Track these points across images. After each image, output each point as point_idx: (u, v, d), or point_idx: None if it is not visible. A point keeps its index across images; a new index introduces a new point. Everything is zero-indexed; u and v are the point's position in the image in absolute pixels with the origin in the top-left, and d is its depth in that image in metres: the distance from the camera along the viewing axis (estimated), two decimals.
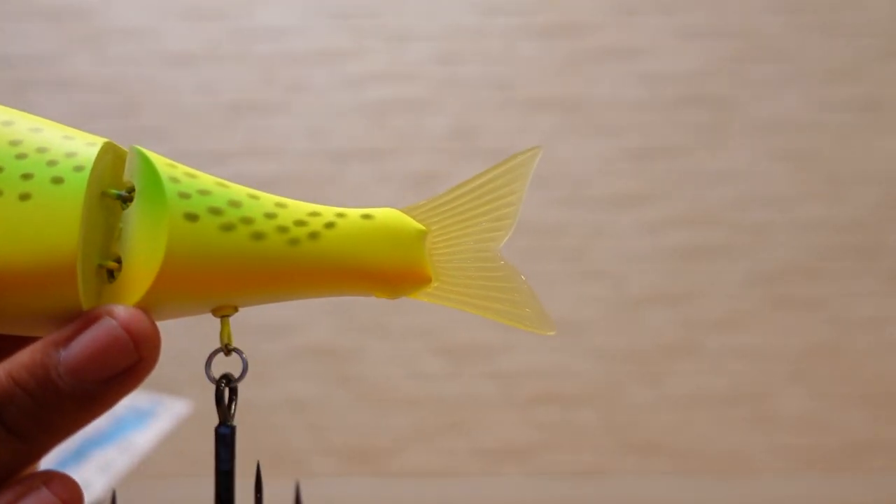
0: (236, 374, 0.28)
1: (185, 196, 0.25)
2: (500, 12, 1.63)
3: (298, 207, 0.27)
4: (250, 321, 1.58)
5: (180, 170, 0.26)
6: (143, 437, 1.02)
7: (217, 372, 0.27)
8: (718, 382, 1.64)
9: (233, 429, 0.27)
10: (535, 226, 1.59)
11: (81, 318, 0.24)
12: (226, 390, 0.27)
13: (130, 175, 0.26)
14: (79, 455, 0.96)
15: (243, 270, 0.25)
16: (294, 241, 0.26)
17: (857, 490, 1.60)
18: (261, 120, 1.64)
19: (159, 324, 0.25)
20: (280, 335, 1.63)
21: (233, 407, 0.27)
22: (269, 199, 0.27)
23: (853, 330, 1.64)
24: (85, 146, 0.25)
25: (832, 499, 1.61)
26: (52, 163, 0.24)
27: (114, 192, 0.25)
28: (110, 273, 0.25)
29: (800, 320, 1.64)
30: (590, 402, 1.65)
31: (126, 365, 0.23)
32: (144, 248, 0.24)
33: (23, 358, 0.23)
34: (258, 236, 0.26)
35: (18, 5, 1.63)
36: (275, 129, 1.65)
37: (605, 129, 1.64)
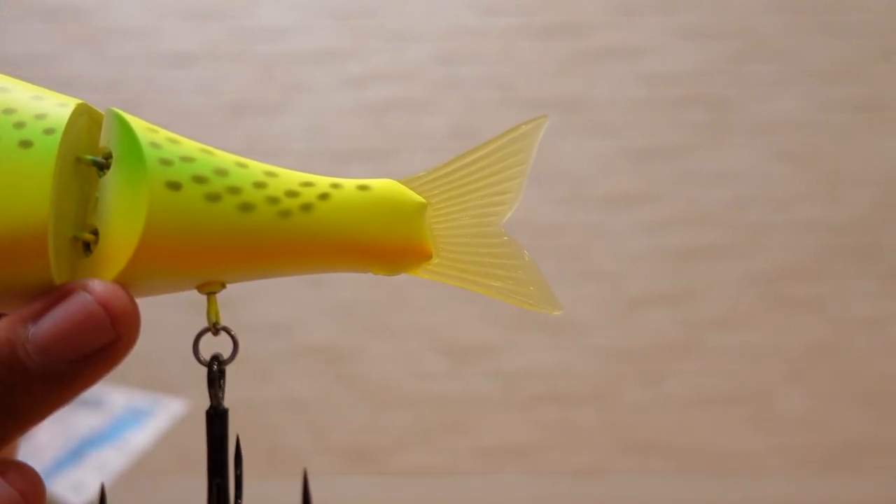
0: (226, 356, 0.26)
1: (166, 163, 0.23)
2: (500, 12, 1.63)
3: (290, 177, 0.25)
4: (249, 320, 1.58)
5: (162, 135, 0.24)
6: (140, 437, 1.01)
7: (206, 354, 0.26)
8: (718, 382, 1.64)
9: (226, 411, 0.26)
10: (534, 225, 1.59)
11: (53, 293, 0.22)
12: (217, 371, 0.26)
13: (107, 140, 0.24)
14: (76, 455, 0.97)
15: (230, 244, 0.24)
16: (285, 213, 0.24)
17: (856, 489, 1.60)
18: (261, 120, 1.64)
19: (140, 301, 0.23)
20: (280, 334, 1.63)
21: (222, 389, 0.26)
22: (258, 168, 0.25)
23: (852, 330, 1.64)
24: (56, 107, 0.23)
25: (831, 498, 1.61)
26: (19, 125, 0.22)
27: (89, 157, 0.24)
28: (86, 246, 0.23)
29: (799, 320, 1.64)
30: (589, 402, 1.65)
31: (101, 343, 0.21)
32: (122, 219, 0.23)
33: None
34: (246, 207, 0.24)
35: (18, 5, 1.64)
36: (275, 129, 1.65)
37: (604, 129, 1.64)
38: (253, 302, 1.58)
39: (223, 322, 0.26)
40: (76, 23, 1.63)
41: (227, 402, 0.27)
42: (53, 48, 1.63)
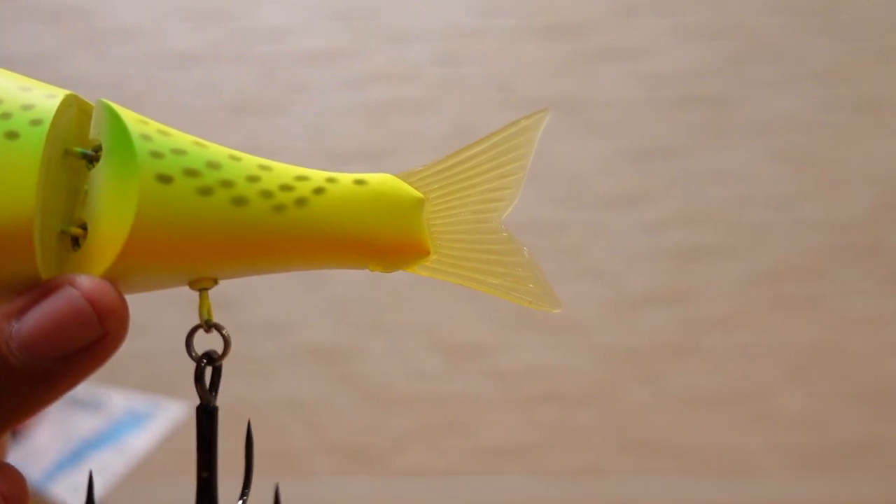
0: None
1: (157, 155, 0.23)
2: (500, 13, 1.63)
3: (285, 171, 0.25)
4: (248, 320, 1.58)
5: (153, 126, 0.23)
6: (140, 440, 1.01)
7: (201, 352, 0.25)
8: (717, 382, 1.64)
9: (215, 409, 0.25)
10: (534, 225, 1.59)
11: (39, 288, 0.21)
12: (207, 369, 0.25)
13: (97, 132, 0.23)
14: (76, 457, 0.97)
15: (222, 239, 0.23)
16: (279, 208, 0.24)
17: (855, 489, 1.60)
18: (261, 120, 1.64)
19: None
20: (280, 334, 1.63)
21: (216, 386, 0.25)
22: (251, 161, 0.24)
23: (852, 330, 1.64)
24: (44, 98, 0.22)
25: (830, 498, 1.61)
26: (5, 115, 0.22)
27: (78, 150, 0.23)
28: (75, 241, 0.23)
29: (798, 320, 1.64)
30: (589, 402, 1.65)
31: (88, 340, 0.21)
32: (112, 213, 0.22)
33: None
34: (239, 201, 0.23)
35: (18, 5, 1.64)
36: (275, 129, 1.65)
37: (604, 129, 1.64)
38: (252, 302, 1.58)
39: (217, 321, 0.25)
40: (76, 23, 1.63)
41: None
42: (53, 48, 1.63)
